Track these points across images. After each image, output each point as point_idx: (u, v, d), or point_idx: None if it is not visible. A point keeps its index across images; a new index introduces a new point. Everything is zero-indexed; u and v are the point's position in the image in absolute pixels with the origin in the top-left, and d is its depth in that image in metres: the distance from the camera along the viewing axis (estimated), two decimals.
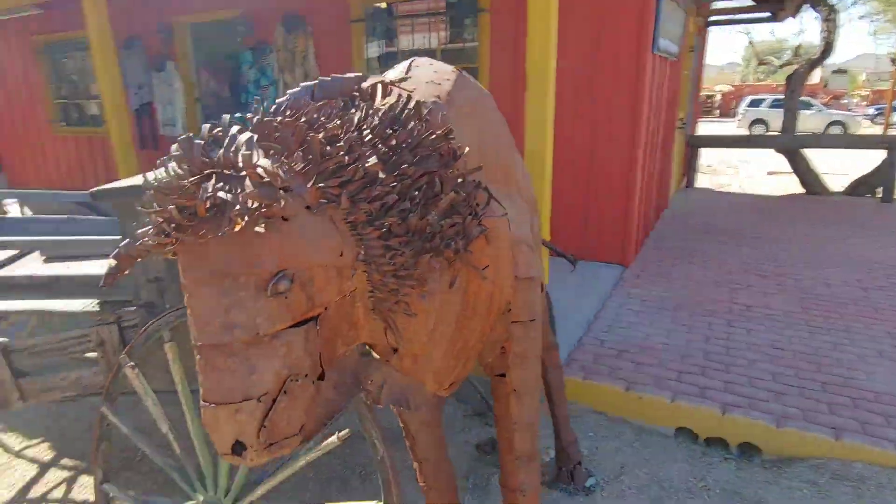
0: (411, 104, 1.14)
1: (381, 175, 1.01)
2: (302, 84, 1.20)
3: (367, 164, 0.98)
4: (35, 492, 2.46)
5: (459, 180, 1.16)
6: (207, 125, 0.96)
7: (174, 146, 0.92)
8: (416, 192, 1.06)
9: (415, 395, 1.34)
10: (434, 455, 1.64)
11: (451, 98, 1.33)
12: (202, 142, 0.92)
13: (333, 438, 1.37)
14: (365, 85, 1.19)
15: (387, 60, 5.34)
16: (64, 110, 7.97)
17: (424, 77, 1.35)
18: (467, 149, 1.22)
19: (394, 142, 1.06)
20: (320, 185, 0.95)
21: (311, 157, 0.96)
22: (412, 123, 1.10)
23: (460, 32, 5.05)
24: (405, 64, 1.41)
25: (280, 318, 0.93)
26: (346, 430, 1.37)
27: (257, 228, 0.87)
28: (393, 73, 1.38)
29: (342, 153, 0.97)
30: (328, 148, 0.96)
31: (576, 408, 2.96)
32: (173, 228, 0.89)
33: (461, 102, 1.36)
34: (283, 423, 0.96)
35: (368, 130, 1.04)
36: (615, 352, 3.27)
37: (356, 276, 1.02)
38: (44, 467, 2.63)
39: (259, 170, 0.85)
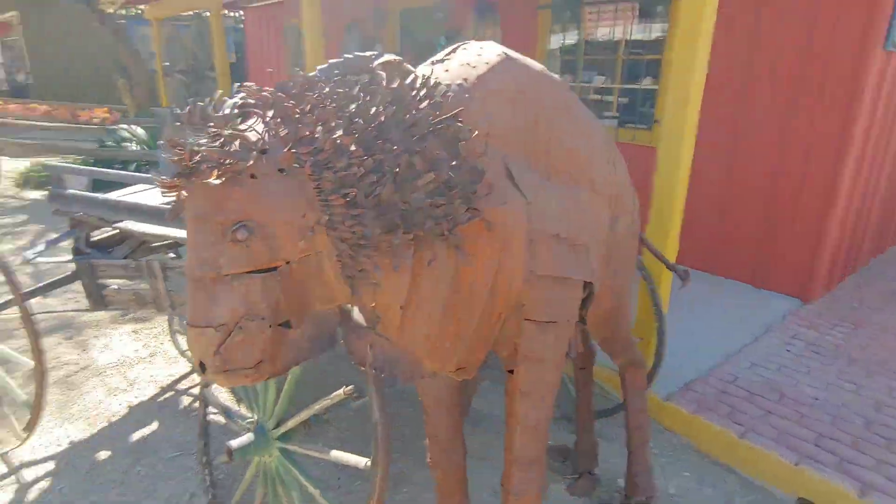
0: (418, 83, 1.15)
1: (353, 148, 1.05)
2: (331, 61, 1.28)
3: (334, 136, 1.03)
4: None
5: (453, 162, 1.14)
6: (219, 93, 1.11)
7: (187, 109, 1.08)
8: (396, 169, 1.08)
9: (407, 367, 1.37)
10: (444, 434, 1.65)
11: (483, 81, 1.30)
12: (202, 105, 1.07)
13: (339, 392, 1.47)
14: (375, 64, 1.23)
15: (572, 51, 5.21)
16: None
17: (462, 60, 1.34)
18: (475, 133, 1.19)
19: (382, 118, 1.09)
20: (293, 150, 1.04)
21: (289, 125, 1.04)
22: (409, 102, 1.12)
23: (650, 21, 4.68)
24: (454, 47, 1.41)
25: (240, 262, 1.05)
26: (351, 386, 1.46)
27: (215, 181, 0.99)
28: (439, 56, 1.39)
29: (314, 123, 1.04)
30: (304, 117, 1.04)
31: (675, 440, 2.66)
32: (175, 174, 1.06)
33: (498, 86, 1.32)
34: (236, 354, 1.09)
35: (354, 105, 1.09)
36: (745, 393, 2.83)
37: (323, 240, 1.09)
38: None
39: (228, 131, 0.97)
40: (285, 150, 1.04)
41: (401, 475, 2.37)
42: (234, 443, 1.73)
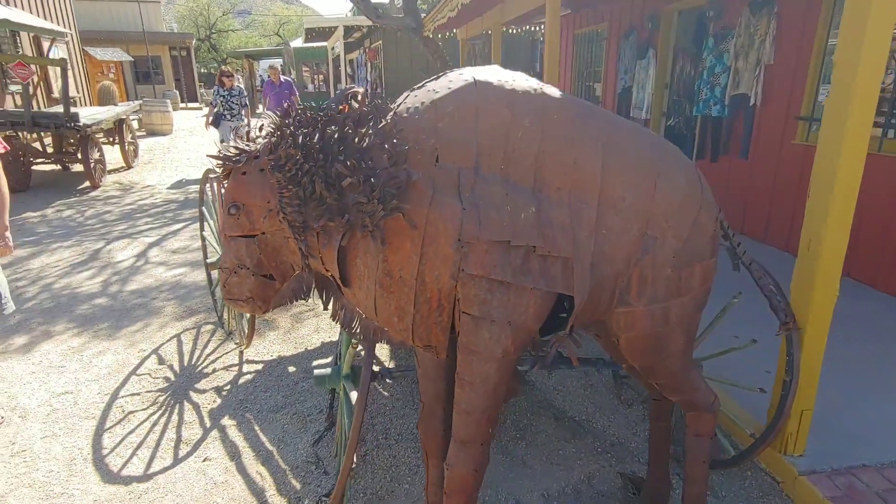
0: (366, 111, 1.48)
1: (298, 157, 1.44)
2: (341, 88, 1.67)
3: (288, 149, 1.44)
4: None
5: (377, 171, 1.44)
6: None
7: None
8: (322, 174, 1.43)
9: (373, 330, 1.68)
10: (429, 403, 1.87)
11: (437, 105, 1.52)
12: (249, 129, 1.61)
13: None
14: (350, 94, 1.56)
15: None
16: (583, 92, 9.66)
17: (430, 86, 1.57)
18: (405, 147, 1.45)
19: (323, 137, 1.45)
20: (268, 157, 1.49)
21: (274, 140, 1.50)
22: (346, 125, 1.46)
23: None
24: (437, 75, 1.64)
25: (234, 229, 1.55)
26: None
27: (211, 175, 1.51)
28: (421, 83, 1.63)
29: (280, 141, 1.47)
30: (283, 138, 1.48)
31: None
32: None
33: (454, 108, 1.52)
34: (233, 289, 1.60)
35: (310, 129, 1.47)
36: None
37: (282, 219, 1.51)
38: None
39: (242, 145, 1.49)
40: (263, 158, 1.51)
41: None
42: (316, 371, 2.32)
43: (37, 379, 3.20)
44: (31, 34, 11.25)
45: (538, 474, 2.43)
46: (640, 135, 1.76)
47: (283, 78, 8.57)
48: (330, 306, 1.71)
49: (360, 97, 1.55)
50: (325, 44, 17.65)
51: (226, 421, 2.80)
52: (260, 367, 3.40)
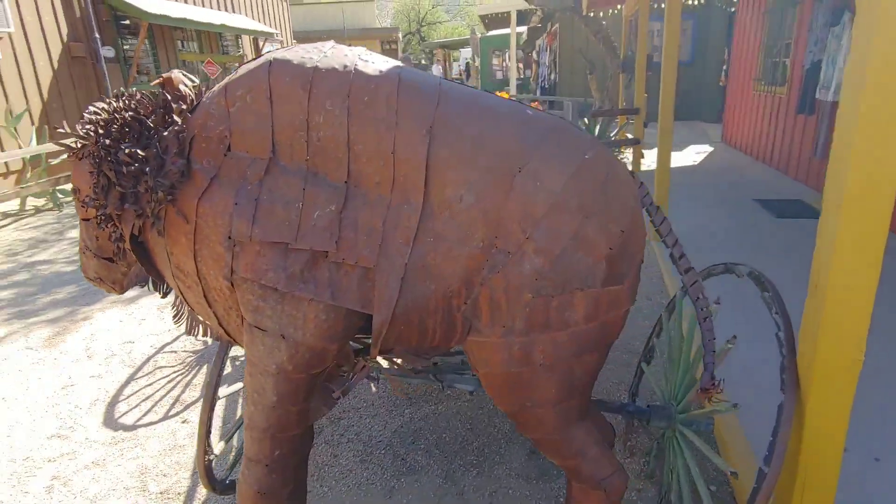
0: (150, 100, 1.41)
1: (97, 145, 1.43)
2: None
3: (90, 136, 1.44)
4: None
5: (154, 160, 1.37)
6: None
7: None
8: (112, 161, 1.40)
9: (200, 327, 1.61)
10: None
11: (230, 88, 1.38)
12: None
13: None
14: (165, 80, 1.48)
15: None
16: (770, 69, 8.08)
17: (240, 69, 1.42)
18: (177, 134, 1.36)
19: (116, 125, 1.43)
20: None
21: None
22: (135, 114, 1.40)
23: None
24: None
25: (77, 211, 1.61)
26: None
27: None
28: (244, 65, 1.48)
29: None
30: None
31: None
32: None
33: (247, 90, 1.36)
34: (84, 268, 1.70)
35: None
36: None
37: None
38: None
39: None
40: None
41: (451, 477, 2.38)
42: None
43: (108, 328, 3.80)
44: (250, 36, 13.30)
45: None
46: (504, 118, 1.37)
47: None
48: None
49: (181, 80, 1.47)
50: (508, 31, 17.59)
51: (223, 390, 2.99)
52: None
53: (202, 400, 1.97)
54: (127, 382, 3.10)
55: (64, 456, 2.52)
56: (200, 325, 1.66)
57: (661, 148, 4.77)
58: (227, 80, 1.41)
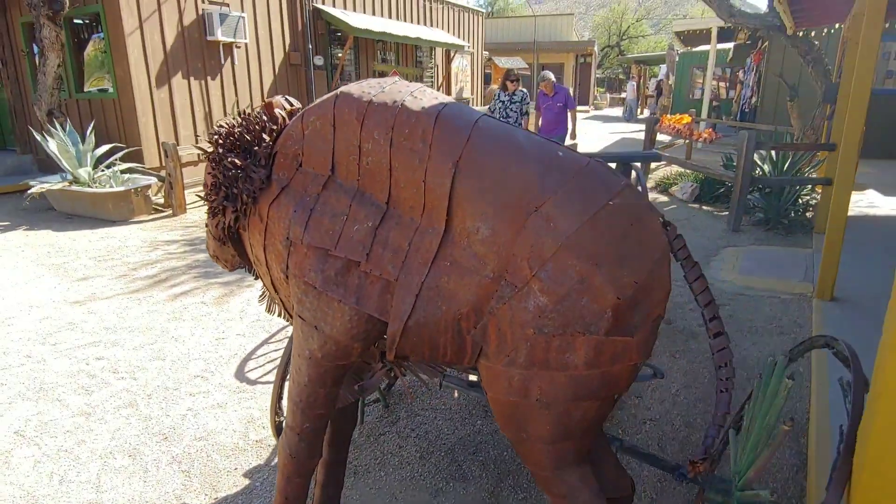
0: (265, 118, 1.74)
1: (216, 149, 1.80)
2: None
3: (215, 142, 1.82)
4: None
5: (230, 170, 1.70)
6: None
7: None
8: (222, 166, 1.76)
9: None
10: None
11: (307, 113, 1.63)
12: None
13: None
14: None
15: None
16: None
17: (324, 96, 1.68)
18: (276, 151, 1.67)
19: (231, 139, 1.78)
20: None
21: None
22: (244, 130, 1.74)
23: None
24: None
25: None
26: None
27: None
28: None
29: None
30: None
31: None
32: None
33: (317, 117, 1.61)
34: (208, 247, 2.08)
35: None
36: None
37: None
38: None
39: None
40: None
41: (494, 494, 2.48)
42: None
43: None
44: (443, 48, 14.27)
45: None
46: (531, 157, 1.44)
47: (557, 86, 7.08)
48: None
49: (281, 104, 1.79)
50: (708, 47, 16.30)
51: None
52: None
53: (277, 369, 2.31)
54: (261, 345, 3.68)
55: (200, 393, 3.11)
56: (275, 305, 1.98)
57: (837, 189, 4.14)
58: (306, 108, 1.68)
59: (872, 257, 5.03)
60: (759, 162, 7.37)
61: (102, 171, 7.17)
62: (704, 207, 7.51)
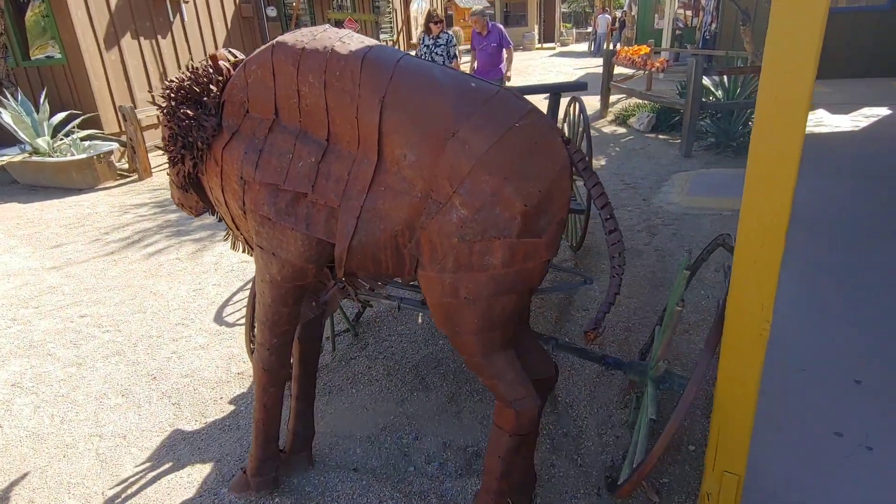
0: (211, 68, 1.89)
1: (170, 102, 1.95)
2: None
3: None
4: None
5: (195, 118, 1.86)
6: None
7: None
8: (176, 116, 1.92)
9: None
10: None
11: (249, 62, 1.79)
12: None
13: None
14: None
15: None
16: None
17: (257, 50, 1.83)
18: (212, 97, 1.83)
19: (182, 91, 1.92)
20: None
21: None
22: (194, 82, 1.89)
23: None
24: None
25: None
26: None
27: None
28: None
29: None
30: None
31: None
32: None
33: (258, 66, 1.77)
34: (172, 195, 2.27)
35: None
36: None
37: None
38: None
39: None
40: None
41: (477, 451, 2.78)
42: None
43: None
44: None
45: (465, 428, 2.50)
46: (446, 89, 1.64)
47: (491, 24, 6.47)
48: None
49: (226, 57, 1.94)
50: None
51: None
52: None
53: (247, 304, 2.54)
54: (236, 292, 3.90)
55: (182, 338, 3.35)
56: (239, 242, 2.19)
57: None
58: (247, 58, 1.84)
59: (814, 172, 5.36)
60: (713, 88, 7.60)
61: (62, 139, 7.11)
62: (661, 136, 7.76)
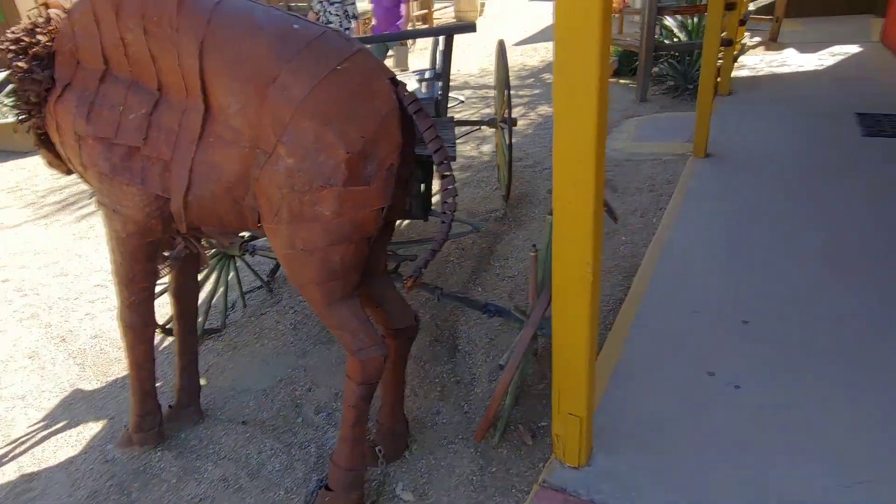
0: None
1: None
2: None
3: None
4: None
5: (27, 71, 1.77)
6: None
7: None
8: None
9: None
10: None
11: (69, 12, 1.70)
12: None
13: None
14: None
15: None
16: None
17: None
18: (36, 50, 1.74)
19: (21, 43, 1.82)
20: None
21: None
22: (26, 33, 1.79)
23: None
24: None
25: None
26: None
27: None
28: None
29: None
30: None
31: None
32: None
33: (80, 15, 1.68)
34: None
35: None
36: None
37: None
38: None
39: None
40: None
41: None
42: None
43: None
44: None
45: None
46: (266, 33, 1.55)
47: None
48: None
49: (59, 4, 1.84)
50: None
51: None
52: None
53: None
54: None
55: (99, 299, 3.33)
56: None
57: (707, 48, 4.28)
58: (72, 5, 1.74)
59: (763, 114, 5.27)
60: (676, 30, 7.37)
61: (1, 101, 6.89)
62: (621, 81, 7.57)
